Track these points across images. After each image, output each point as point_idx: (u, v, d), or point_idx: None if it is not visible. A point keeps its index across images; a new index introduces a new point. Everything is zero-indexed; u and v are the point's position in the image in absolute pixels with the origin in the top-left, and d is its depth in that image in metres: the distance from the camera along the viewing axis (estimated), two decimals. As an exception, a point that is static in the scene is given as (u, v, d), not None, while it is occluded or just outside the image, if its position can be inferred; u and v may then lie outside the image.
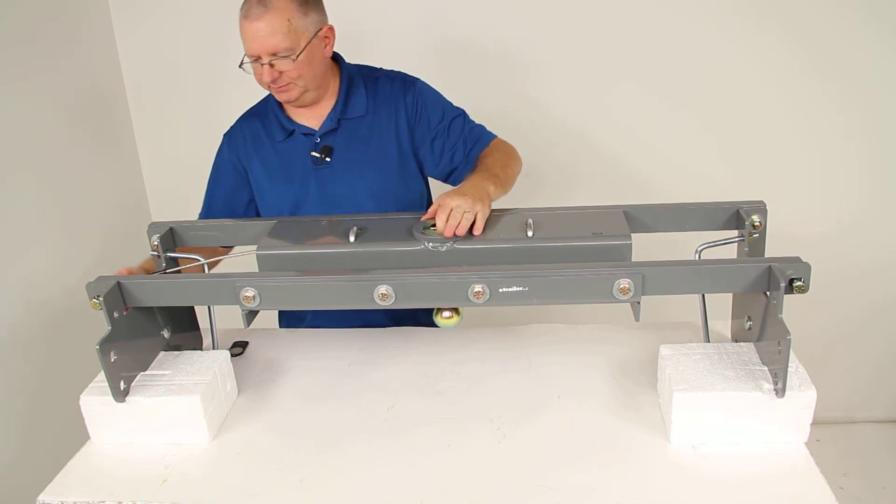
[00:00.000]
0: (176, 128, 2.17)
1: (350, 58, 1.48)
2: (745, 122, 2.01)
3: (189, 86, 2.11)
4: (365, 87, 1.43)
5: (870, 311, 2.19)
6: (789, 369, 0.98)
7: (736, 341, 1.19)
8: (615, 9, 1.92)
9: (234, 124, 1.49)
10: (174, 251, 1.30)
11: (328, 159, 1.41)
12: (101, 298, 1.04)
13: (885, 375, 2.28)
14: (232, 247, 1.42)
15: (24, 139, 1.70)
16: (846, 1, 1.85)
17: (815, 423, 1.00)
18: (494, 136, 1.48)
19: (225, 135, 1.49)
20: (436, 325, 1.15)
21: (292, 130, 1.43)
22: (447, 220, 1.14)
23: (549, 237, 1.13)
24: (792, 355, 1.01)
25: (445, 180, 1.49)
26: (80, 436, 1.13)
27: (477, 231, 1.15)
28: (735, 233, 1.20)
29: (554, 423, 1.10)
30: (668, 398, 1.04)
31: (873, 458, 2.21)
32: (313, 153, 1.41)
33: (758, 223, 1.15)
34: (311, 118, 1.43)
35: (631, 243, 1.10)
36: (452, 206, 1.15)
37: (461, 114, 1.47)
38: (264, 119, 1.46)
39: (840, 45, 1.89)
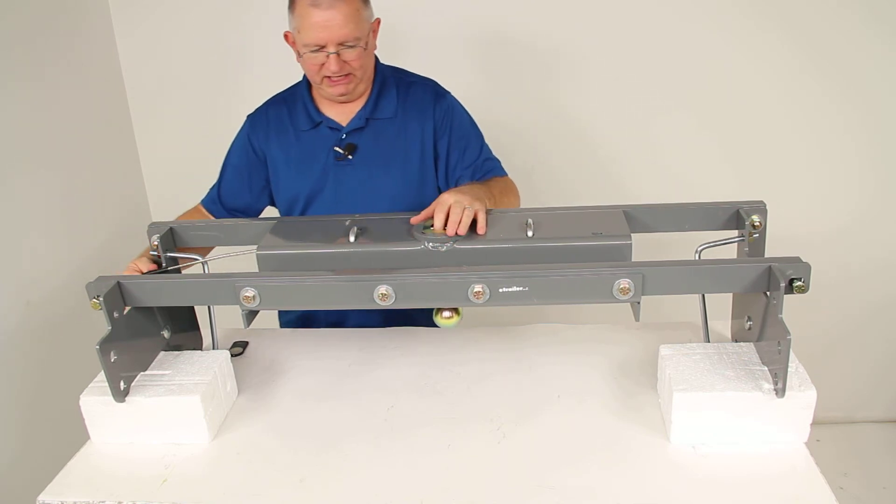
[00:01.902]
0: (176, 128, 2.17)
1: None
2: (745, 122, 2.01)
3: (189, 86, 2.11)
4: (397, 89, 1.44)
5: (870, 312, 2.19)
6: (789, 369, 0.98)
7: (736, 341, 1.19)
8: (616, 10, 1.92)
9: (260, 107, 1.49)
10: (174, 251, 1.30)
11: (350, 157, 1.41)
12: (101, 298, 1.04)
13: (885, 375, 2.28)
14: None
15: (24, 139, 1.70)
16: (846, 1, 1.85)
17: (815, 423, 1.00)
18: (505, 174, 1.49)
19: (248, 116, 1.48)
20: (433, 325, 1.15)
21: (319, 122, 1.43)
22: (447, 218, 1.14)
23: (549, 237, 1.13)
24: (792, 355, 1.01)
25: None
26: (80, 436, 1.13)
27: (481, 230, 1.15)
28: (735, 233, 1.20)
29: (554, 423, 1.10)
30: (668, 398, 1.04)
31: (873, 458, 2.21)
32: (337, 148, 1.42)
33: (758, 223, 1.15)
34: (341, 113, 1.43)
35: (631, 243, 1.10)
36: (451, 203, 1.15)
37: (480, 140, 1.49)
38: (291, 106, 1.45)
39: (840, 46, 1.89)
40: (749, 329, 1.11)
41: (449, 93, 1.47)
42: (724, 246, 1.18)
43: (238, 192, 1.49)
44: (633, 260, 1.09)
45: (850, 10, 1.85)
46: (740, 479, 0.96)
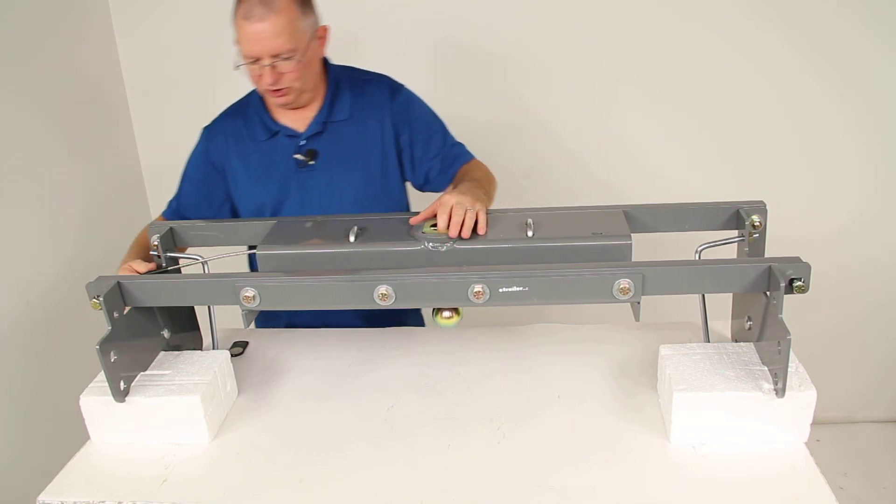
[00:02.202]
0: (176, 128, 2.16)
1: (346, 59, 1.47)
2: (745, 122, 2.00)
3: (189, 86, 2.11)
4: (351, 90, 1.42)
5: (870, 311, 2.19)
6: (789, 369, 0.98)
7: (736, 341, 1.19)
8: (615, 9, 1.92)
9: (215, 120, 1.47)
10: (174, 251, 1.30)
11: (312, 162, 1.40)
12: (101, 298, 1.04)
13: (885, 375, 2.28)
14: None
15: (24, 139, 1.70)
16: (846, 1, 1.85)
17: (815, 423, 1.00)
18: (473, 157, 1.48)
19: (205, 129, 1.46)
20: (421, 325, 1.15)
21: (276, 131, 1.41)
22: (449, 219, 1.14)
23: (549, 237, 1.13)
24: (792, 355, 1.01)
25: (422, 189, 1.50)
26: (80, 436, 1.13)
27: (482, 231, 1.15)
28: (735, 233, 1.20)
29: (554, 423, 1.10)
30: (668, 398, 1.04)
31: (873, 458, 2.21)
32: (297, 156, 1.40)
33: (758, 223, 1.15)
34: (296, 120, 1.42)
35: (631, 243, 1.10)
36: (453, 204, 1.15)
37: (442, 129, 1.48)
38: (247, 117, 1.44)
39: (840, 45, 1.89)
40: (749, 329, 1.11)
41: (404, 86, 1.46)
42: (723, 246, 1.18)
43: (197, 206, 1.47)
44: (633, 260, 1.09)
45: (850, 9, 1.85)
46: (740, 479, 0.96)
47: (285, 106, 1.38)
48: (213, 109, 2.13)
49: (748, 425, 1.01)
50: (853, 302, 2.18)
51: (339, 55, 1.47)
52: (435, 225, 1.15)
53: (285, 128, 1.41)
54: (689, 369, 1.05)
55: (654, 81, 1.98)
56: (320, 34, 1.35)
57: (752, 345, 1.10)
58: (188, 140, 2.18)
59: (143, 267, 1.21)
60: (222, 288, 1.07)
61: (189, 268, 1.29)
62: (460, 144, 1.49)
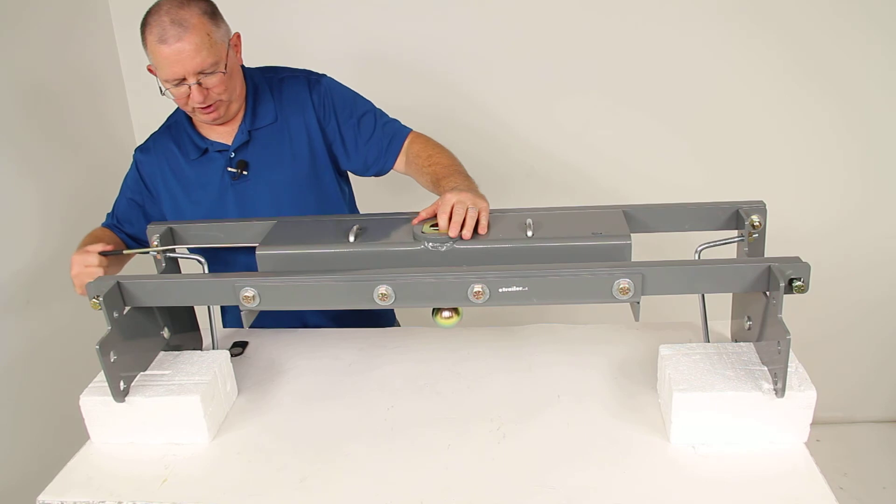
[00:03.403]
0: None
1: (343, 63, 1.46)
2: (744, 121, 2.01)
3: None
4: (271, 92, 1.41)
5: (870, 311, 2.19)
6: (789, 369, 0.98)
7: (736, 341, 1.19)
8: (617, 10, 1.92)
9: (147, 141, 1.46)
10: (174, 251, 1.30)
11: (245, 173, 1.40)
12: (101, 298, 1.04)
13: (884, 375, 2.28)
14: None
15: (23, 139, 1.70)
16: (842, 2, 1.85)
17: (815, 423, 1.00)
18: (410, 130, 1.46)
19: (137, 150, 1.46)
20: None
21: (205, 148, 1.41)
22: (450, 219, 1.13)
23: (548, 237, 1.12)
24: (791, 355, 1.01)
25: (364, 174, 1.48)
26: (80, 436, 1.13)
27: (482, 230, 1.14)
28: (735, 233, 1.20)
29: (554, 423, 1.10)
30: (668, 398, 1.04)
31: (873, 458, 2.21)
32: (230, 168, 1.40)
33: (757, 223, 1.15)
34: (223, 133, 1.41)
35: (630, 243, 1.10)
36: (453, 203, 1.14)
37: (371, 108, 1.46)
38: (176, 136, 1.43)
39: (836, 45, 1.89)
40: (749, 329, 1.11)
41: (324, 75, 1.45)
42: (723, 246, 1.18)
43: (135, 221, 1.47)
44: (632, 260, 1.09)
45: (846, 11, 1.85)
46: (740, 479, 0.96)
47: (216, 122, 1.37)
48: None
49: (748, 425, 1.01)
50: (853, 302, 2.18)
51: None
52: (436, 225, 1.15)
53: (214, 143, 1.41)
54: (689, 369, 1.05)
55: (654, 81, 1.98)
56: (234, 42, 1.34)
57: (751, 345, 1.10)
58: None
59: (95, 248, 1.23)
60: (222, 288, 1.07)
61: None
62: (394, 120, 1.47)
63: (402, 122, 1.47)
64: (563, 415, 1.12)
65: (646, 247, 1.32)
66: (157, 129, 1.47)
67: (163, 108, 2.13)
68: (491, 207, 1.19)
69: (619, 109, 2.03)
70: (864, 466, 2.16)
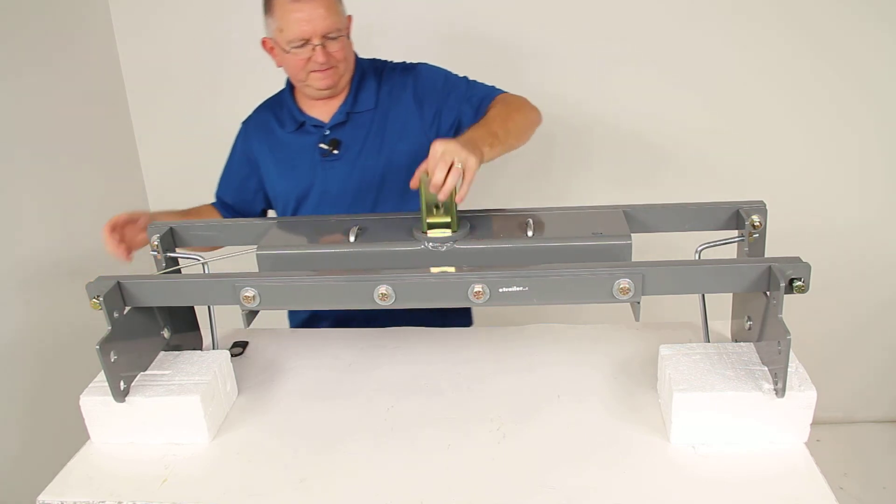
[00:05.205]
0: (176, 128, 2.17)
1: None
2: (745, 121, 2.01)
3: (189, 86, 2.12)
4: (375, 80, 1.46)
5: (870, 311, 2.19)
6: (789, 369, 0.98)
7: (736, 341, 1.19)
8: (619, 8, 1.92)
9: (251, 114, 1.53)
10: (174, 251, 1.30)
11: (336, 152, 1.43)
12: (101, 298, 1.04)
13: (885, 375, 2.28)
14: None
15: (23, 139, 1.70)
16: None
17: (815, 423, 0.99)
18: (500, 92, 1.45)
19: (243, 123, 1.54)
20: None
21: (303, 122, 1.46)
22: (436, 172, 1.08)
23: (549, 237, 1.12)
24: (792, 355, 1.01)
25: None
26: (80, 436, 1.13)
27: (459, 199, 1.10)
28: (735, 233, 1.20)
29: (554, 423, 1.10)
30: (668, 398, 1.04)
31: (873, 458, 2.21)
32: (321, 145, 1.44)
33: (758, 223, 1.15)
34: (322, 111, 1.46)
35: (631, 243, 1.10)
36: (441, 150, 1.09)
37: (464, 79, 1.48)
38: (277, 110, 1.50)
39: (842, 44, 1.89)
40: (749, 329, 1.11)
41: (420, 63, 1.48)
42: (723, 246, 1.18)
43: (235, 195, 1.55)
44: (633, 260, 1.09)
45: (850, 8, 1.85)
46: (740, 479, 0.96)
47: (329, 90, 1.41)
48: (213, 109, 2.14)
49: (748, 425, 1.00)
50: (854, 302, 2.18)
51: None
52: (436, 222, 1.15)
53: (311, 118, 1.46)
54: (689, 369, 1.04)
55: (653, 80, 1.99)
56: (348, 23, 1.40)
57: (752, 345, 1.10)
58: (188, 140, 2.20)
59: (122, 219, 1.27)
60: (222, 288, 1.07)
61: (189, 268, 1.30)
62: (486, 85, 1.46)
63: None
64: (564, 415, 1.12)
65: (646, 247, 1.32)
66: (260, 103, 1.54)
67: (163, 108, 2.14)
68: (491, 208, 1.19)
69: (619, 109, 2.03)
70: (864, 466, 2.16)
